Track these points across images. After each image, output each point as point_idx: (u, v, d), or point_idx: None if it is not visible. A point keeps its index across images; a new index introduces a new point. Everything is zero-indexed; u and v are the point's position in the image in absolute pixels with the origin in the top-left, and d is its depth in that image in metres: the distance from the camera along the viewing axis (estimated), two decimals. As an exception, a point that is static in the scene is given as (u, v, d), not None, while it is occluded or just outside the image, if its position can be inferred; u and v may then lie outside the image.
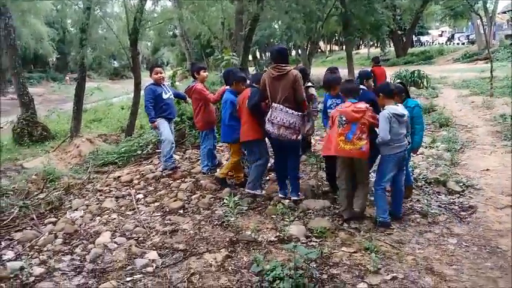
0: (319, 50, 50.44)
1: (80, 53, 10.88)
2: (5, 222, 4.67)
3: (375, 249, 3.77)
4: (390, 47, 37.89)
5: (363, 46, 52.67)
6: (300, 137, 4.79)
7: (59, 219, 4.89)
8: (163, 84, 6.43)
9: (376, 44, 40.31)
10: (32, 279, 3.48)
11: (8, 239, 4.38)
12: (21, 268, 3.60)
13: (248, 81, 5.62)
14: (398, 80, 5.18)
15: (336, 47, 59.96)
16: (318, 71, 23.27)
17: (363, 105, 4.28)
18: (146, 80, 7.13)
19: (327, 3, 18.64)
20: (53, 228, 4.61)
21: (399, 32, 34.35)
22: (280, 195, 5.10)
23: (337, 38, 53.32)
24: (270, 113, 4.67)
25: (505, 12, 37.95)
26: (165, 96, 6.26)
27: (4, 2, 11.72)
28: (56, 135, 14.24)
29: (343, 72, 21.27)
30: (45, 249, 4.10)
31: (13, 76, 15.51)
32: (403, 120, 4.28)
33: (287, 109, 4.60)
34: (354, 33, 21.32)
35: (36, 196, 5.57)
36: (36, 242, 4.23)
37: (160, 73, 6.34)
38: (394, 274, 3.44)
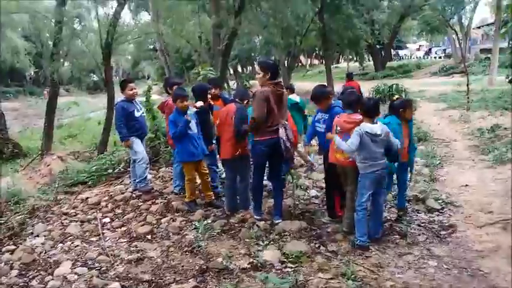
0: (300, 64, 50.82)
1: (51, 67, 10.53)
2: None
3: (352, 275, 3.57)
4: (369, 61, 38.41)
5: (342, 60, 53.31)
6: None
7: (18, 246, 4.55)
8: (135, 101, 6.19)
9: (355, 58, 40.81)
10: (-22, 319, 3.16)
11: (-42, 271, 4.02)
12: (-32, 307, 3.27)
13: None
14: (397, 96, 5.15)
15: (316, 61, 60.57)
16: (297, 86, 23.26)
17: (357, 116, 4.26)
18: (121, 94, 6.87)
19: (306, 19, 18.77)
20: (10, 257, 4.26)
21: (378, 46, 34.88)
22: (255, 217, 4.87)
23: (317, 52, 53.89)
24: (284, 132, 4.49)
25: (479, 27, 39.00)
26: (137, 114, 6.03)
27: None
28: (28, 152, 13.71)
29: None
30: (-3, 282, 3.76)
31: (-17, 91, 14.98)
32: (379, 139, 4.14)
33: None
34: (332, 48, 21.51)
35: (-4, 221, 5.19)
36: (-11, 275, 3.88)
37: (134, 89, 6.11)
38: (372, 303, 3.25)
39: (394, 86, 16.28)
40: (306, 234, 4.52)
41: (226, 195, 5.29)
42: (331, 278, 3.61)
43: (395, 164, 4.66)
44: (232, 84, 20.71)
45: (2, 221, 5.23)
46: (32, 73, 45.30)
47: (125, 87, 5.99)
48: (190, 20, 15.78)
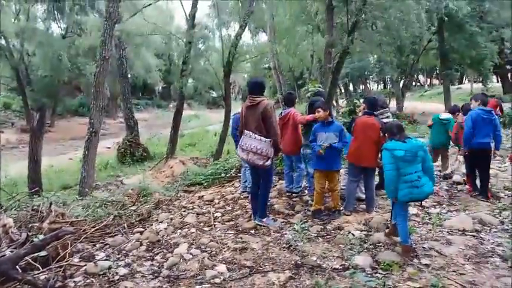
0: (418, 84, 48.30)
1: (180, 83, 11.99)
2: (100, 227, 5.35)
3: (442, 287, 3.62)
4: (497, 82, 35.02)
5: (466, 81, 49.34)
6: (268, 163, 5.02)
7: (146, 229, 5.47)
8: None
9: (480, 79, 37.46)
10: (116, 277, 3.99)
11: (101, 243, 5.03)
12: (109, 267, 4.13)
13: None
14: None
15: (436, 81, 57.08)
16: (411, 105, 22.43)
17: None
18: (236, 109, 7.68)
19: (423, 37, 18.16)
20: (139, 236, 5.18)
21: (508, 67, 31.70)
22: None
23: (438, 71, 50.79)
24: (241, 139, 5.11)
25: None
26: None
27: (120, 36, 13.45)
28: (154, 156, 15.68)
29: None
30: (130, 254, 4.64)
31: (122, 102, 17.50)
32: None
33: (256, 135, 4.97)
34: (452, 67, 20.30)
35: (129, 208, 6.26)
36: (124, 247, 4.79)
37: None
38: (461, 316, 3.29)
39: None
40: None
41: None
42: (420, 287, 3.71)
43: None
44: (341, 102, 20.81)
45: (134, 209, 6.27)
46: (161, 88, 50.51)
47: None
48: (304, 39, 16.45)
